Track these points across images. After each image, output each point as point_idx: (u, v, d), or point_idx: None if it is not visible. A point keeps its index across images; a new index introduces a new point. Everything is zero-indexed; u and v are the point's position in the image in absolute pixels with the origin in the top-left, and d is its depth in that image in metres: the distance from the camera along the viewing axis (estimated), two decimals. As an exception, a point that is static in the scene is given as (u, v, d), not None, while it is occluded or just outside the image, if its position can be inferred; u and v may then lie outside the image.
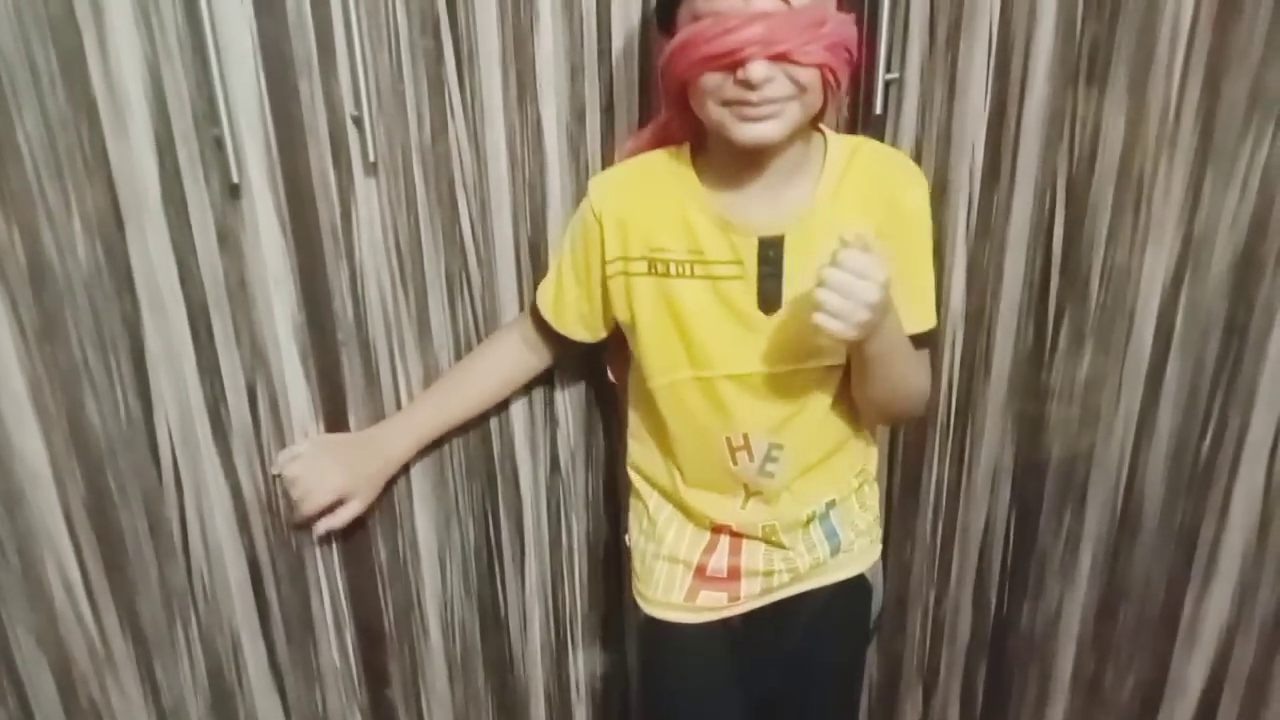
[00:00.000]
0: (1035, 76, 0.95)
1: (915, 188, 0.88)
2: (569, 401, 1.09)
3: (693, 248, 0.86)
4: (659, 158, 0.91)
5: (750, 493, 0.93)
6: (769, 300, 0.86)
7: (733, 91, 0.78)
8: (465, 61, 0.91)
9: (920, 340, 0.89)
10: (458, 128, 0.93)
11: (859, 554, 0.98)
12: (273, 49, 0.83)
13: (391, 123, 0.89)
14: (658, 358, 0.90)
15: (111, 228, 0.81)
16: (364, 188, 0.90)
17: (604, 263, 0.90)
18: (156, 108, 0.80)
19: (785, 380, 0.88)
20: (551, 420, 1.09)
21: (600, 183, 0.92)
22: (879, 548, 1.01)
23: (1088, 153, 0.94)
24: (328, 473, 0.97)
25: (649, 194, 0.89)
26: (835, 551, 0.96)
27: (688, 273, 0.87)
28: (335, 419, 0.98)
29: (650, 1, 0.94)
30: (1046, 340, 1.01)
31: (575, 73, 0.97)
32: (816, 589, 0.96)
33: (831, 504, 0.95)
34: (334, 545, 1.04)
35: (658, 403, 0.92)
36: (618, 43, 0.99)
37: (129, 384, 0.87)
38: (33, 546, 0.89)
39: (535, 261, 1.02)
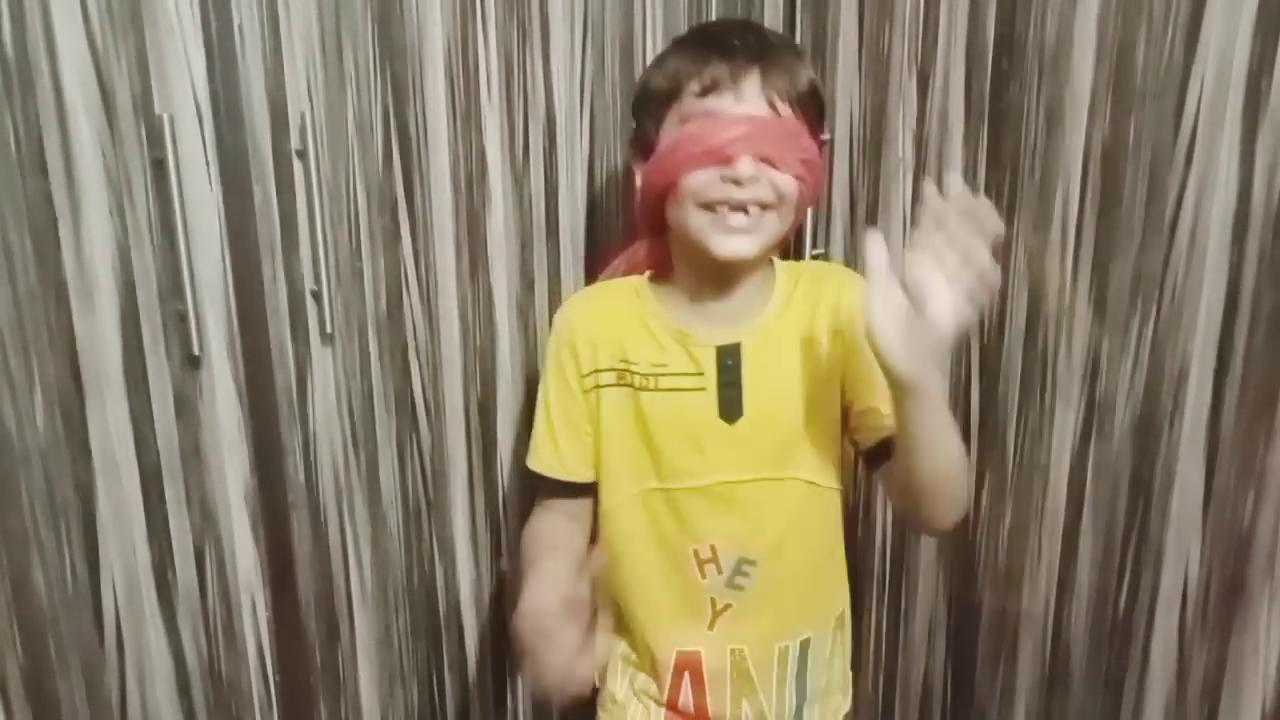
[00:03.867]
0: (946, 254, 1.04)
1: (854, 287, 0.88)
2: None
3: (656, 361, 0.89)
4: (620, 283, 0.96)
5: (717, 611, 0.90)
6: (730, 409, 0.88)
7: (719, 190, 0.81)
8: (421, 239, 0.98)
9: None
10: (412, 300, 0.99)
11: (831, 716, 0.96)
12: (239, 230, 0.88)
13: (349, 296, 0.95)
14: (624, 469, 0.91)
15: (72, 399, 0.84)
16: (320, 356, 0.94)
17: (581, 378, 0.92)
18: (124, 286, 0.84)
19: (751, 491, 0.88)
20: (497, 578, 1.10)
21: (566, 309, 0.96)
22: (849, 702, 0.99)
23: (996, 323, 1.02)
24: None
25: (613, 312, 0.93)
26: (801, 705, 0.94)
27: (652, 385, 0.89)
28: (281, 579, 0.99)
29: (611, 137, 1.02)
30: (971, 497, 1.06)
31: (524, 247, 1.04)
32: None
33: (806, 643, 0.93)
34: (274, 708, 1.02)
35: (624, 523, 0.91)
36: (564, 218, 1.07)
37: (78, 550, 0.88)
38: (-37, 718, 0.88)
39: (484, 421, 1.06)
